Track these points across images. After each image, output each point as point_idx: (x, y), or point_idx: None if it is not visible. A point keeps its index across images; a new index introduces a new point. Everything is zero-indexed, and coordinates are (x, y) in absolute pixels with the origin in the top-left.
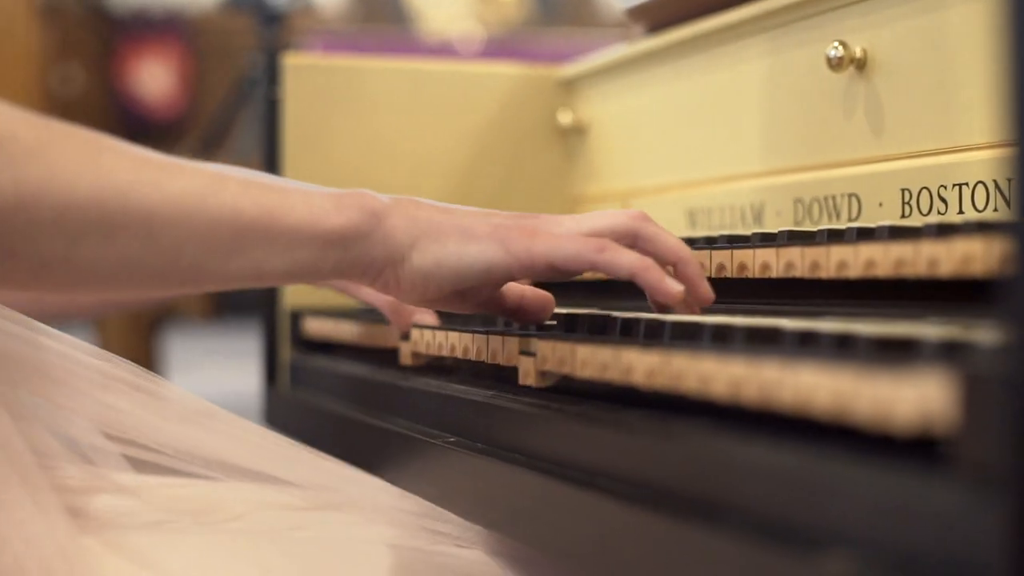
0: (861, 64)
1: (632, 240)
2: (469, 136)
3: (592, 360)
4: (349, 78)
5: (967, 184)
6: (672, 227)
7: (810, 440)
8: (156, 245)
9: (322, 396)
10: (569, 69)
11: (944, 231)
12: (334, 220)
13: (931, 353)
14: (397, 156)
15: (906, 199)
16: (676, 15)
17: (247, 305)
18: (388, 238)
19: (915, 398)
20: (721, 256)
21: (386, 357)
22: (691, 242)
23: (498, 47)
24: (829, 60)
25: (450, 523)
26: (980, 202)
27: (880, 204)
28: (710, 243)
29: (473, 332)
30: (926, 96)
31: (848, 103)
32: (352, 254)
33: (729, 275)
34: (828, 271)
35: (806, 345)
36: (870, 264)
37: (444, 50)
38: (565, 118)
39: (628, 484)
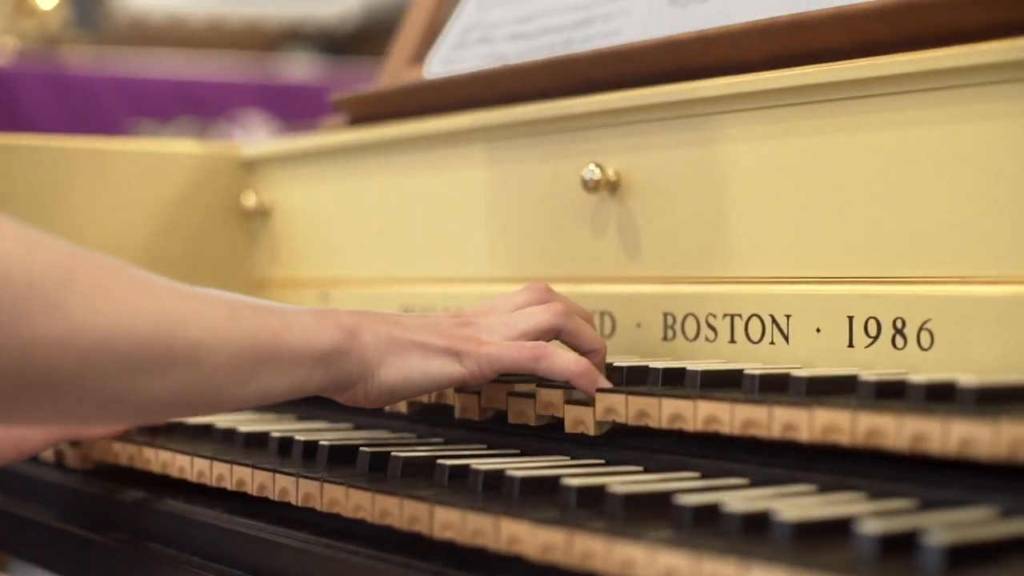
0: (615, 186)
1: (557, 335)
2: (153, 217)
3: None
4: (29, 158)
5: (739, 315)
6: None
7: None
8: (199, 374)
9: None
10: (251, 149)
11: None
12: (322, 339)
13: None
14: (80, 239)
15: (669, 323)
16: (386, 111)
17: None
18: (362, 356)
19: None
20: None
21: None
22: None
23: (32, 61)
24: (585, 182)
25: None
26: (755, 334)
27: (638, 325)
28: None
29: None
30: (691, 225)
31: (598, 222)
32: (333, 371)
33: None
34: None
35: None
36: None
37: None
38: (248, 200)
39: None
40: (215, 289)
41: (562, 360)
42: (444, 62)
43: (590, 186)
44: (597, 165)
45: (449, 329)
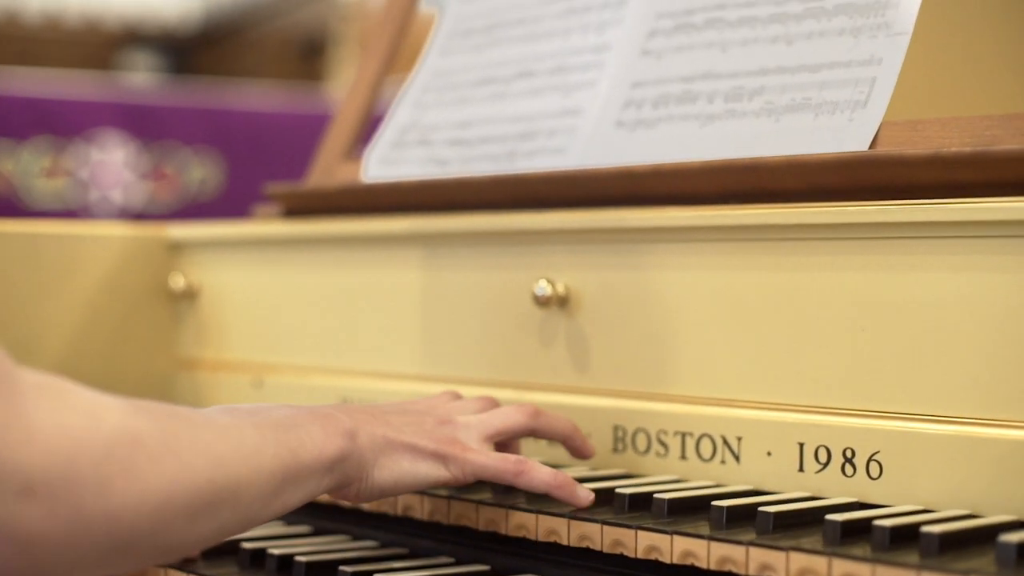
0: (564, 301)
1: (530, 433)
2: (80, 298)
3: None
4: None
5: (690, 434)
6: None
7: None
8: (239, 507)
9: None
10: (179, 232)
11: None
12: (331, 449)
13: None
14: (7, 322)
15: (619, 435)
16: (325, 208)
17: None
18: (361, 458)
19: None
20: None
21: None
22: None
23: None
24: (536, 298)
25: None
26: (706, 453)
27: (588, 435)
28: None
29: None
30: (643, 343)
31: (547, 334)
32: (337, 474)
33: None
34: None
35: None
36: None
37: None
38: (176, 282)
39: None
40: (242, 408)
41: (540, 475)
42: (383, 161)
43: (541, 301)
44: (548, 281)
45: (434, 429)
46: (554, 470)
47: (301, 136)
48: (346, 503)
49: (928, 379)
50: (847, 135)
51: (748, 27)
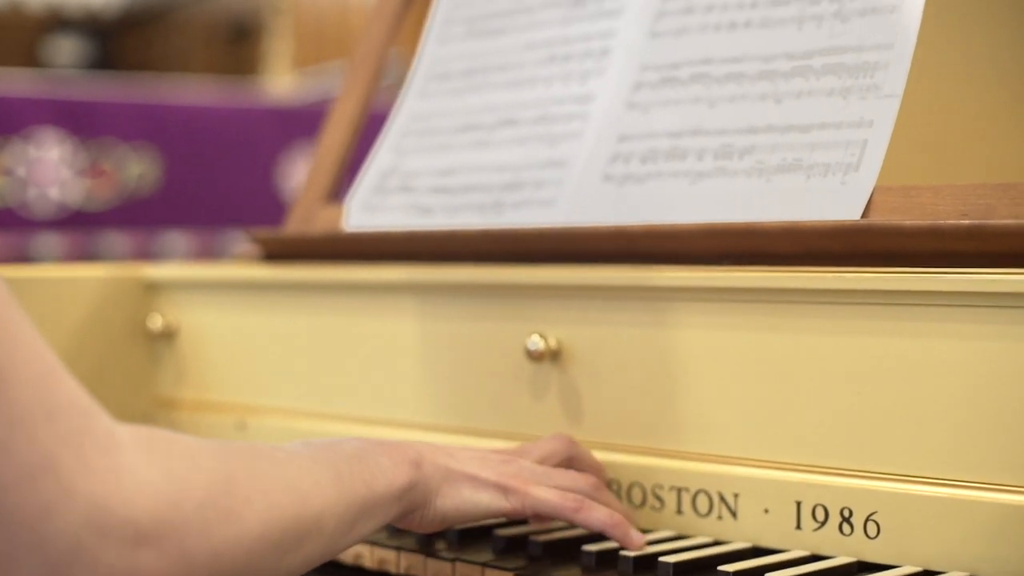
0: (556, 355)
1: (569, 462)
2: (58, 340)
3: None
4: None
5: (687, 489)
6: None
7: None
8: (322, 539)
9: None
10: (156, 272)
11: None
12: (400, 478)
13: None
14: None
15: (614, 488)
16: (309, 253)
17: None
18: (425, 486)
19: None
20: None
21: None
22: None
23: None
24: (529, 352)
25: None
26: (702, 508)
27: None
28: None
29: None
30: (638, 398)
31: (539, 386)
32: (404, 504)
33: None
34: None
35: None
36: None
37: None
38: (154, 322)
39: None
40: (316, 442)
41: (598, 513)
42: (365, 208)
43: (534, 356)
44: (541, 336)
45: (497, 465)
46: (610, 510)
47: (238, 130)
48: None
49: (924, 442)
50: (840, 199)
51: (735, 83)
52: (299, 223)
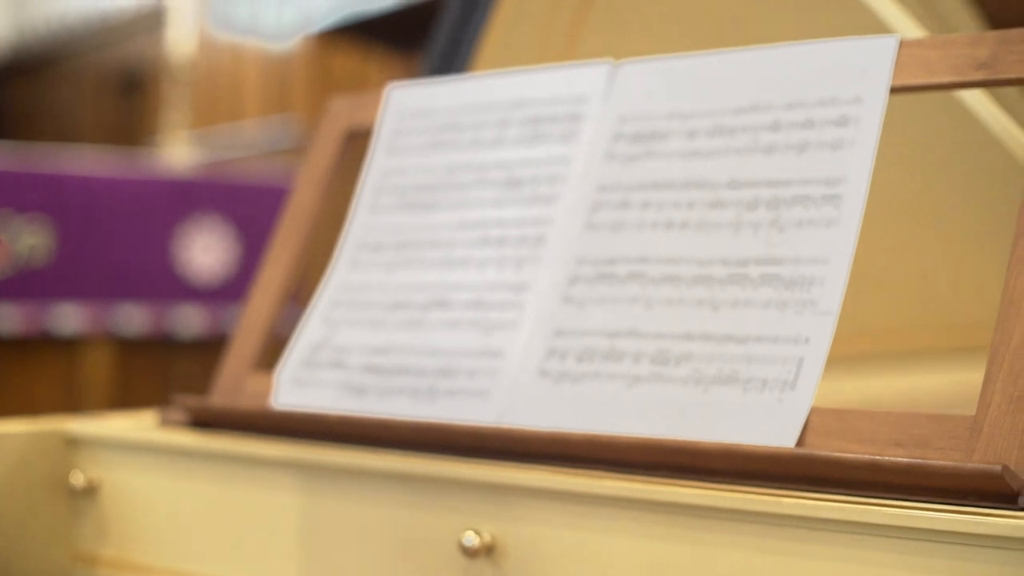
0: (490, 549)
1: None
2: None
3: None
4: None
5: None
6: None
7: None
8: None
9: None
10: (76, 428)
11: None
12: None
13: None
14: None
15: None
16: (237, 424)
17: None
18: None
19: None
20: None
21: None
22: None
23: None
24: (465, 549)
25: None
26: None
27: None
28: None
29: None
30: None
31: None
32: None
33: None
34: None
35: None
36: None
37: None
38: (76, 479)
39: None
40: None
41: None
42: (295, 382)
43: (469, 552)
44: (476, 532)
45: None
46: None
47: (133, 201)
48: None
49: None
50: (777, 417)
51: (672, 285)
52: (226, 392)
